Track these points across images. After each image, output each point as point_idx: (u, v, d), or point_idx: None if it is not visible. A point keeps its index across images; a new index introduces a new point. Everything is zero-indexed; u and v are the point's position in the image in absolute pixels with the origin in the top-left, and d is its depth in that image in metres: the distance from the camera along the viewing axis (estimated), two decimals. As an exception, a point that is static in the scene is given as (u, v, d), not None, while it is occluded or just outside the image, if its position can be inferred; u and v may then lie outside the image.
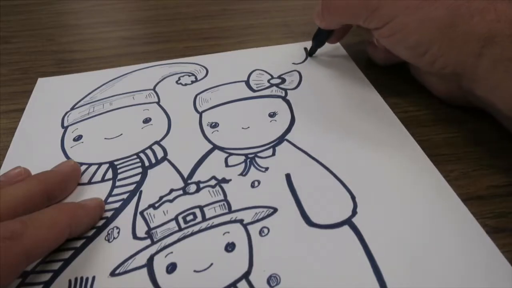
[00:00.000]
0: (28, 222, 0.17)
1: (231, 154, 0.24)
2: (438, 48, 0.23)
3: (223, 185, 0.22)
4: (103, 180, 0.23)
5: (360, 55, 0.32)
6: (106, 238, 0.20)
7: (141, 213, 0.21)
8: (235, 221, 0.20)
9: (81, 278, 0.18)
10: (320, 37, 0.32)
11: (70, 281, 0.18)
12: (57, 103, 0.29)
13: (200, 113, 0.28)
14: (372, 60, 0.31)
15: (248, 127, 0.26)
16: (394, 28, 0.24)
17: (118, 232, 0.20)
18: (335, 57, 0.33)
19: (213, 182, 0.22)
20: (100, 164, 0.24)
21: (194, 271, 0.18)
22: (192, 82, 0.31)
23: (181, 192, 0.22)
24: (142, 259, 0.19)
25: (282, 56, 0.33)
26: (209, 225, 0.20)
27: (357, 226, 0.20)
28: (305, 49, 0.34)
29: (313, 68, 0.32)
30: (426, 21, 0.22)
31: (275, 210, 0.21)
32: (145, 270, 0.19)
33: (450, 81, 0.25)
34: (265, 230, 0.20)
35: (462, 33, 0.22)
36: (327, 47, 0.33)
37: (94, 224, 0.21)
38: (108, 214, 0.21)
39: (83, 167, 0.24)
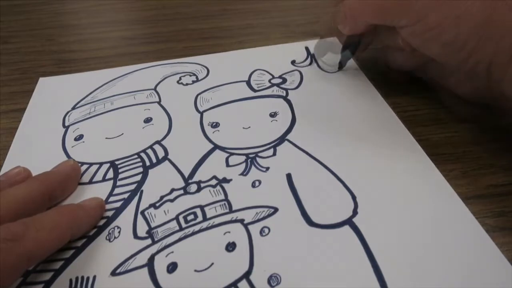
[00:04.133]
0: (30, 224, 0.17)
1: (232, 154, 0.24)
2: (475, 44, 0.22)
3: (224, 184, 0.22)
4: (104, 179, 0.23)
5: (362, 54, 0.32)
6: (107, 238, 0.20)
7: (142, 212, 0.21)
8: (235, 221, 0.20)
9: (82, 277, 0.18)
10: (351, 48, 0.29)
11: (71, 280, 0.18)
12: (58, 102, 0.29)
13: (201, 113, 0.28)
14: (385, 74, 0.30)
15: (249, 127, 0.26)
16: (429, 25, 0.23)
17: (119, 232, 0.20)
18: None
19: (214, 181, 0.22)
20: (101, 164, 0.24)
21: (195, 270, 0.18)
22: (193, 82, 0.31)
23: (182, 191, 0.22)
24: (143, 258, 0.19)
25: (283, 56, 0.33)
26: (209, 225, 0.20)
27: (357, 226, 0.20)
28: (306, 48, 0.34)
29: (314, 68, 0.32)
30: (463, 17, 0.22)
31: (275, 210, 0.21)
32: (145, 269, 0.19)
33: (479, 79, 0.24)
34: (266, 230, 0.20)
35: (499, 28, 0.21)
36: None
37: (95, 224, 0.21)
38: (109, 213, 0.21)
39: (84, 167, 0.24)
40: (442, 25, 0.22)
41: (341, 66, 0.31)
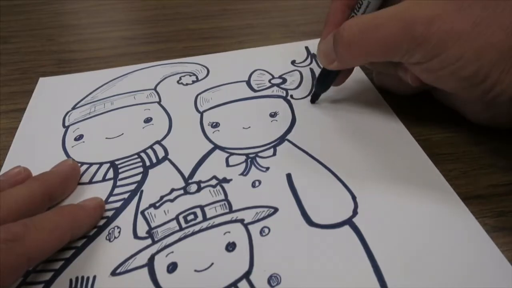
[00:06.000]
0: (30, 225, 0.17)
1: (232, 154, 0.24)
2: (498, 75, 0.20)
3: (224, 184, 0.22)
4: (104, 179, 0.23)
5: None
6: (107, 238, 0.20)
7: (142, 212, 0.21)
8: (235, 221, 0.20)
9: (82, 277, 0.18)
10: (327, 80, 0.26)
11: (71, 280, 0.18)
12: (58, 102, 0.29)
13: (201, 113, 0.28)
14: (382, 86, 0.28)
15: (249, 127, 0.26)
16: (447, 61, 0.20)
17: (119, 232, 0.20)
18: None
19: (214, 181, 0.22)
20: (101, 164, 0.24)
21: (195, 270, 0.18)
22: (193, 82, 0.31)
23: (182, 191, 0.22)
24: (143, 258, 0.19)
25: (283, 56, 0.33)
26: (210, 225, 0.20)
27: (357, 226, 0.20)
28: (306, 48, 0.34)
29: (314, 67, 0.32)
30: (485, 48, 0.19)
31: (275, 210, 0.21)
32: (145, 269, 0.19)
33: (499, 107, 0.22)
34: (266, 230, 0.20)
35: None
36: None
37: (95, 224, 0.21)
38: (109, 213, 0.21)
39: (84, 167, 0.24)
40: (462, 60, 0.20)
41: (314, 99, 0.27)
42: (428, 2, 0.20)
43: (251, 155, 0.24)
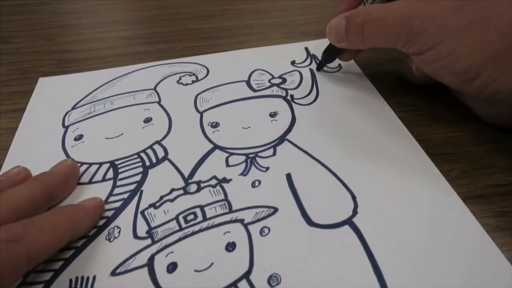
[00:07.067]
0: (30, 225, 0.17)
1: (231, 154, 0.24)
2: (490, 73, 0.21)
3: (224, 184, 0.22)
4: (104, 179, 0.23)
5: (361, 54, 0.32)
6: (107, 238, 0.20)
7: (142, 212, 0.21)
8: (235, 221, 0.20)
9: (82, 277, 0.18)
10: (332, 53, 0.29)
11: (70, 280, 0.18)
12: (58, 102, 0.29)
13: (201, 113, 0.28)
14: (399, 74, 0.29)
15: (249, 127, 0.26)
16: (439, 54, 0.22)
17: (119, 232, 0.20)
18: None
19: (213, 181, 0.22)
20: (101, 164, 0.24)
21: (195, 270, 0.18)
22: (193, 82, 0.31)
23: (181, 191, 0.22)
24: (142, 258, 0.19)
25: (283, 56, 0.33)
26: (209, 225, 0.20)
27: (357, 226, 0.20)
28: (306, 49, 0.34)
29: (313, 68, 0.32)
30: (476, 46, 0.20)
31: (275, 210, 0.21)
32: (145, 269, 0.19)
33: (502, 106, 0.23)
34: (266, 230, 0.20)
35: None
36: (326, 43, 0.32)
37: (95, 224, 0.21)
38: (109, 213, 0.21)
39: (84, 167, 0.24)
40: (454, 54, 0.21)
41: (319, 68, 0.31)
42: None
43: (251, 155, 0.24)
